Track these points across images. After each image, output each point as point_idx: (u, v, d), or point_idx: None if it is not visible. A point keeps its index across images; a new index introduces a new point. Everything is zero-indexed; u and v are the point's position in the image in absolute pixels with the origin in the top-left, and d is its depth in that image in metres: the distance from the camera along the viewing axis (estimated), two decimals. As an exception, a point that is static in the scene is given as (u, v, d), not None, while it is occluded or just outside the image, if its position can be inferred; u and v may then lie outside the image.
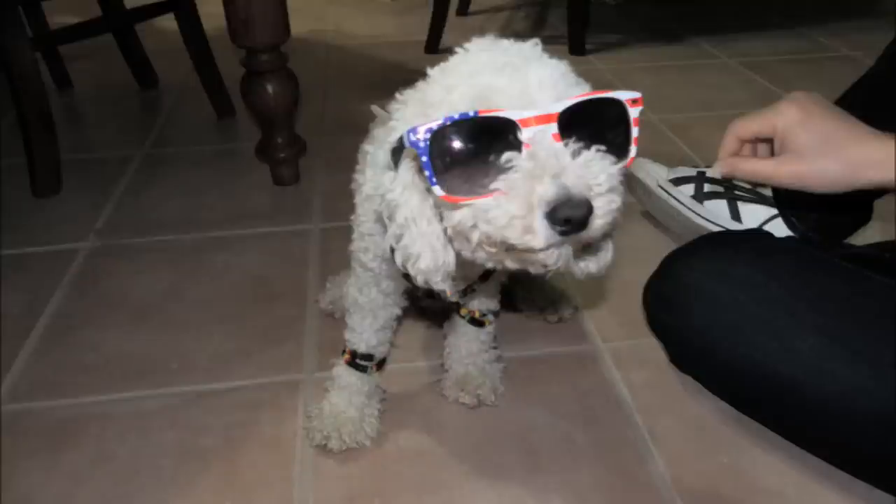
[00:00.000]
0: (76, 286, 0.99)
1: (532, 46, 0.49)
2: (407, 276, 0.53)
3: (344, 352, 0.73)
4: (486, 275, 0.67)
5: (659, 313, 0.79)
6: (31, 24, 1.55)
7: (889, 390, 0.60)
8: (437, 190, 0.45)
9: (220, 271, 1.01)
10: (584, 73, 0.50)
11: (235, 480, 0.69)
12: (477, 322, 0.75)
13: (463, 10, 2.21)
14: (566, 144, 0.44)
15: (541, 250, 0.44)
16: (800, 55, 1.84)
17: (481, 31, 0.53)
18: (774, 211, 0.93)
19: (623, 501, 0.66)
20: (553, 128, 0.44)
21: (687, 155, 1.31)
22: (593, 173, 0.44)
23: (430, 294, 0.65)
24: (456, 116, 0.44)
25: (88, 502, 0.67)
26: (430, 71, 0.50)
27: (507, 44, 0.50)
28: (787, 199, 0.91)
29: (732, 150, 0.75)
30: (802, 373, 0.65)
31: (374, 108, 0.67)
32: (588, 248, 0.52)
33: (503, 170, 0.44)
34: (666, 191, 1.03)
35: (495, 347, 0.80)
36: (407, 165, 0.48)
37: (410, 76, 0.52)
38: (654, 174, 1.05)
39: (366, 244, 0.64)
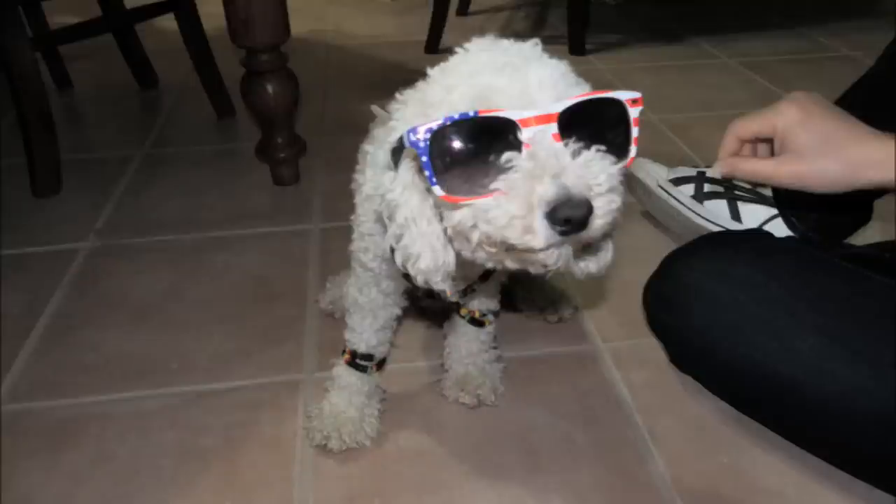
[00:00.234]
0: (76, 286, 0.99)
1: (532, 46, 0.49)
2: (407, 276, 0.53)
3: (344, 352, 0.73)
4: (486, 275, 0.66)
5: (659, 313, 0.79)
6: (31, 24, 1.55)
7: (889, 390, 0.60)
8: (437, 190, 0.45)
9: (220, 271, 1.01)
10: (584, 73, 0.50)
11: (235, 480, 0.69)
12: (477, 322, 0.75)
13: (463, 10, 2.21)
14: (566, 144, 0.44)
15: (541, 250, 0.44)
16: (800, 55, 1.84)
17: (481, 31, 0.53)
18: (774, 211, 0.93)
19: (623, 501, 0.66)
20: (553, 128, 0.44)
21: (687, 155, 1.31)
22: (593, 173, 0.44)
23: (430, 294, 0.65)
24: (456, 116, 0.44)
25: (88, 502, 0.67)
26: (430, 71, 0.50)
27: (507, 44, 0.50)
28: (787, 199, 0.91)
29: (732, 150, 0.75)
30: (802, 373, 0.65)
31: (374, 108, 0.67)
32: (588, 248, 0.52)
33: (503, 170, 0.44)
34: (666, 191, 1.03)
35: (495, 347, 0.80)
36: (407, 165, 0.48)
37: (410, 76, 0.52)
38: (654, 174, 1.05)
39: (366, 244, 0.64)
